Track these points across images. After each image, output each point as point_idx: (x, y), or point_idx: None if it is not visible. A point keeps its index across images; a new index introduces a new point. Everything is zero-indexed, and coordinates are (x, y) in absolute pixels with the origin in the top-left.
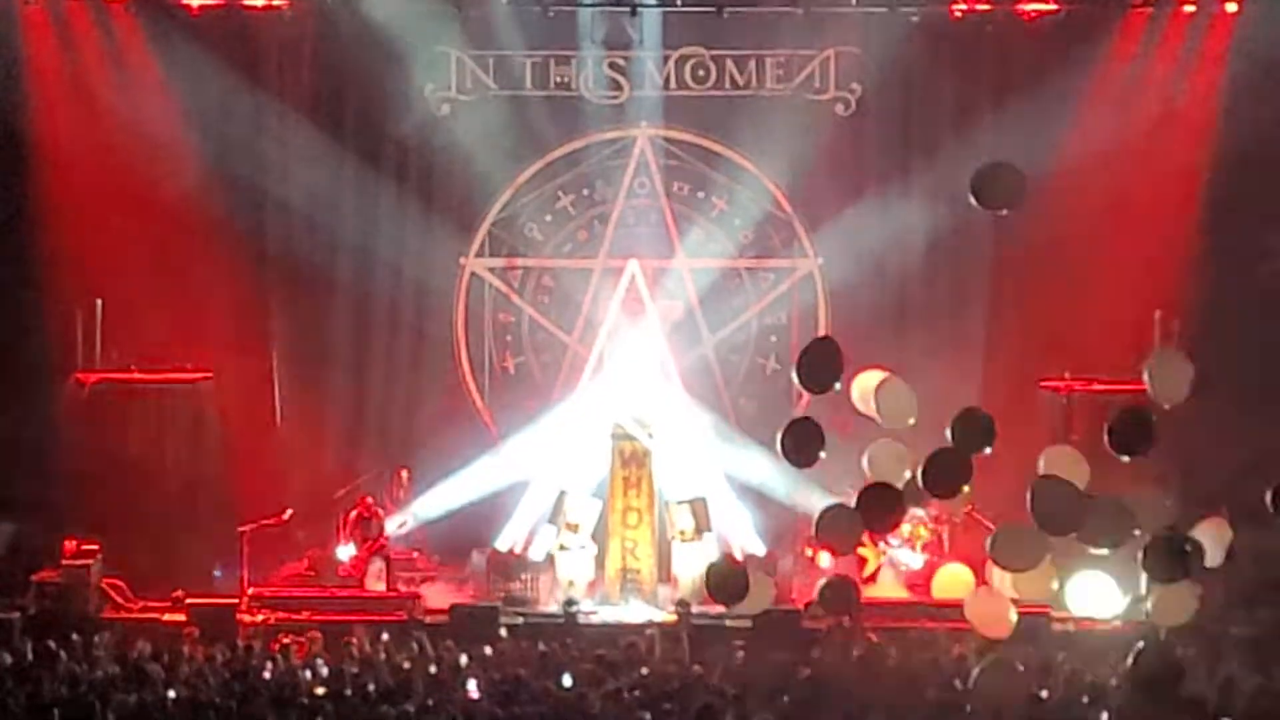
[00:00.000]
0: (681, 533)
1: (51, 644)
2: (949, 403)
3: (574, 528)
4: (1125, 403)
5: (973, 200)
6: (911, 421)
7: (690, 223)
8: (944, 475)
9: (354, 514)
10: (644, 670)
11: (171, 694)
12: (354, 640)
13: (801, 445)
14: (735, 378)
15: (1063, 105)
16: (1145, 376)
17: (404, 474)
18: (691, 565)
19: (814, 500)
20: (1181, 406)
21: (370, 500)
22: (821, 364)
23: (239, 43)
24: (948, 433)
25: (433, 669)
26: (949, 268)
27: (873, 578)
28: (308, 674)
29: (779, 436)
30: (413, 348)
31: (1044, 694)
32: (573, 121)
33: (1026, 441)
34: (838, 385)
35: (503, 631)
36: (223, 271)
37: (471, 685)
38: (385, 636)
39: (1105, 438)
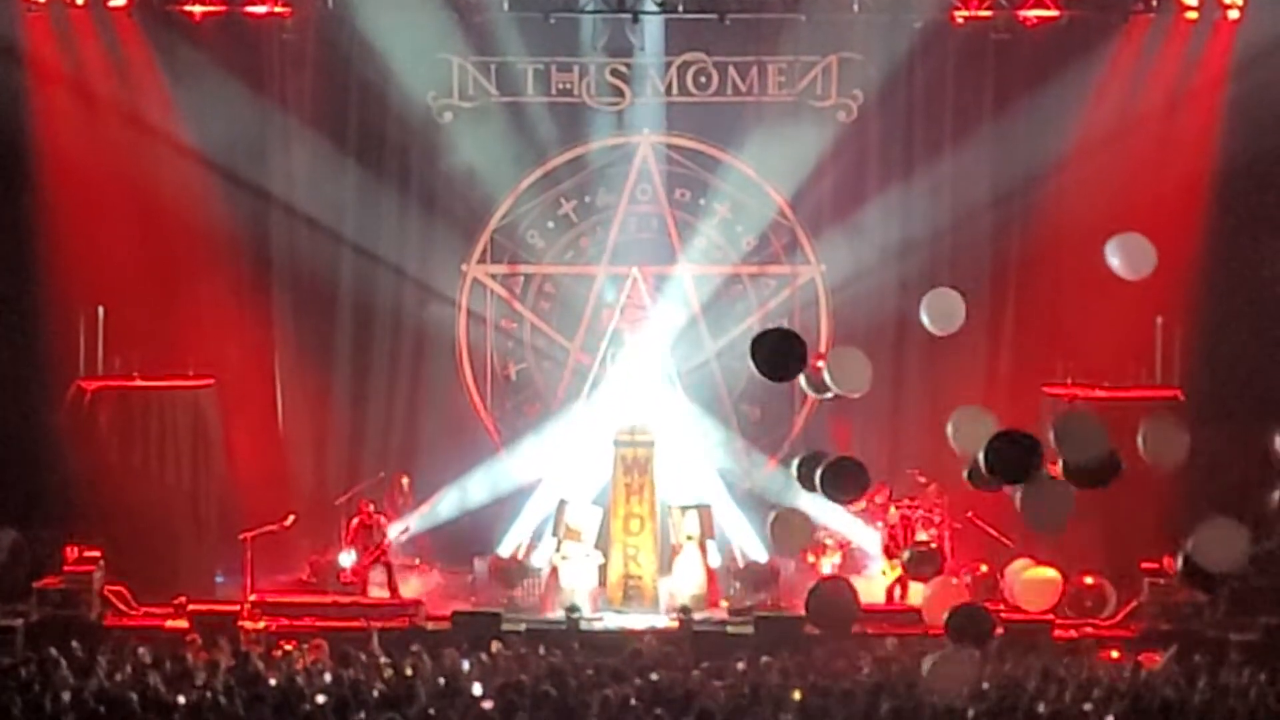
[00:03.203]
0: (688, 537)
1: (53, 651)
2: (952, 406)
3: (575, 536)
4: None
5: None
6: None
7: (692, 229)
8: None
9: (355, 521)
10: (651, 676)
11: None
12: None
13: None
14: (737, 384)
15: (1065, 111)
16: (1140, 443)
17: (404, 481)
18: (691, 572)
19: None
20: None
21: (371, 507)
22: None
23: (241, 50)
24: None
25: (438, 678)
26: (951, 274)
27: (903, 588)
28: (310, 680)
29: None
30: (415, 354)
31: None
32: (574, 128)
33: None
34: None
35: (494, 646)
36: (225, 278)
37: (476, 689)
38: (375, 644)
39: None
